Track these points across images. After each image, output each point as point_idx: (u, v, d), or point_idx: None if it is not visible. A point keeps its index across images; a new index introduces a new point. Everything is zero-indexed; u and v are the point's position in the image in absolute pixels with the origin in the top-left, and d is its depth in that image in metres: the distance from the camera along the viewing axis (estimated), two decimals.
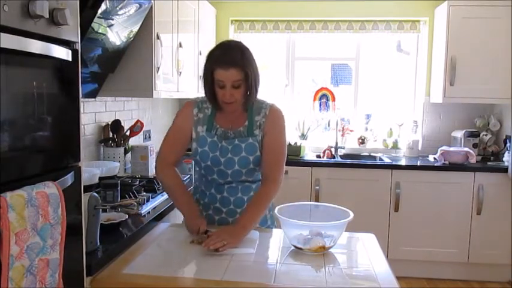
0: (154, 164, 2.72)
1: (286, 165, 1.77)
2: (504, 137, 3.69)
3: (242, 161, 1.70)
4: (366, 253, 1.56)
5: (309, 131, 3.99)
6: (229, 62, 1.59)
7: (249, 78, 1.62)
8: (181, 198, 1.75)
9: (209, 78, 1.65)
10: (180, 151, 1.80)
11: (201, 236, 1.58)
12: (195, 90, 3.29)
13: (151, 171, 2.73)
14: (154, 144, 3.07)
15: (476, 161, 3.47)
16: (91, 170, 2.05)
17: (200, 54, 3.28)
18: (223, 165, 1.71)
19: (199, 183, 1.86)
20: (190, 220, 1.67)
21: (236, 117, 1.74)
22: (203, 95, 1.76)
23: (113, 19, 1.97)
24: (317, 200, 3.39)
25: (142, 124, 2.86)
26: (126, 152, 2.74)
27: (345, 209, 1.62)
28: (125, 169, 2.76)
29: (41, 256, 1.00)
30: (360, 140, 4.01)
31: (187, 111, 1.77)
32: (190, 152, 1.80)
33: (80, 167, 1.24)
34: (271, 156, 1.71)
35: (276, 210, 1.62)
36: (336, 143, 3.90)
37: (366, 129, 4.11)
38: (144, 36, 2.35)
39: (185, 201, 1.74)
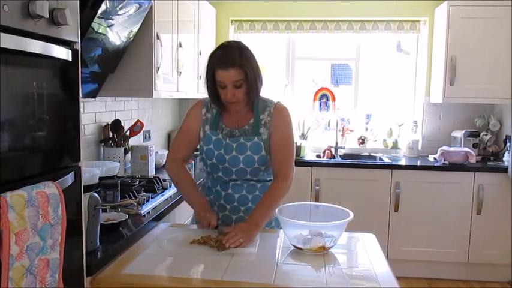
0: (154, 164, 2.76)
1: None
2: (504, 137, 3.69)
3: (247, 160, 1.71)
4: (366, 253, 1.56)
5: (309, 131, 3.99)
6: (228, 62, 1.61)
7: (248, 78, 1.63)
8: (191, 191, 1.80)
9: (211, 79, 1.68)
10: (189, 149, 1.85)
11: (205, 237, 1.59)
12: (195, 90, 3.29)
13: (151, 171, 2.74)
14: (155, 144, 3.08)
15: (476, 161, 3.47)
16: (91, 170, 2.05)
17: (200, 54, 3.28)
18: (228, 162, 1.72)
19: (206, 181, 1.88)
20: (201, 212, 1.71)
21: (242, 116, 1.76)
22: (204, 95, 1.78)
23: (113, 19, 1.97)
24: (317, 200, 3.39)
25: (142, 124, 2.86)
26: (126, 152, 2.74)
27: (345, 209, 1.62)
28: (125, 169, 2.76)
29: (40, 256, 1.00)
30: (360, 140, 4.01)
31: (196, 111, 1.82)
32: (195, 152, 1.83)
33: (80, 167, 1.24)
34: (279, 154, 1.73)
35: (276, 210, 1.62)
36: (336, 143, 3.90)
37: (366, 129, 4.11)
38: (144, 36, 2.35)
39: (195, 194, 1.79)
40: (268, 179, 1.81)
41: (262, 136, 1.72)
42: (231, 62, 1.61)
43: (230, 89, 1.64)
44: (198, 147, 1.82)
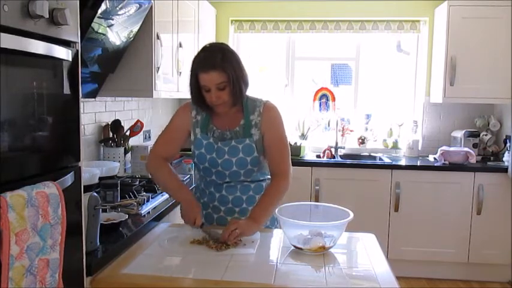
0: None
1: None
2: (504, 137, 3.69)
3: (239, 162, 1.70)
4: (366, 253, 1.56)
5: (309, 131, 3.99)
6: (209, 65, 1.60)
7: (231, 80, 1.62)
8: (177, 188, 1.77)
9: (195, 83, 1.67)
10: (174, 149, 1.83)
11: (205, 237, 1.60)
12: None
13: None
14: None
15: (476, 161, 3.47)
16: (91, 170, 2.05)
17: None
18: (221, 166, 1.72)
19: (200, 183, 1.87)
20: (186, 209, 1.70)
21: (232, 118, 1.75)
22: None
23: (113, 19, 1.97)
24: (317, 200, 3.39)
25: (142, 124, 2.86)
26: (126, 152, 2.74)
27: (345, 209, 1.62)
28: (125, 169, 2.76)
29: (41, 256, 1.00)
30: (360, 140, 4.01)
31: (185, 112, 1.80)
32: (191, 153, 1.81)
33: (80, 167, 1.24)
34: (274, 152, 1.73)
35: (276, 210, 1.62)
36: (336, 143, 3.89)
37: (366, 129, 4.11)
38: (144, 36, 2.35)
39: (181, 191, 1.76)
40: (261, 178, 1.80)
41: (254, 137, 1.71)
42: (212, 65, 1.59)
43: (214, 91, 1.63)
44: (191, 150, 1.80)
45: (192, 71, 1.67)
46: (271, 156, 1.73)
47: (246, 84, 1.71)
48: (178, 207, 2.20)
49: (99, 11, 1.80)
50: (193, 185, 2.47)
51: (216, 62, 1.60)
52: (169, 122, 1.84)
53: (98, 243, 1.44)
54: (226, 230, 1.55)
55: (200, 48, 1.71)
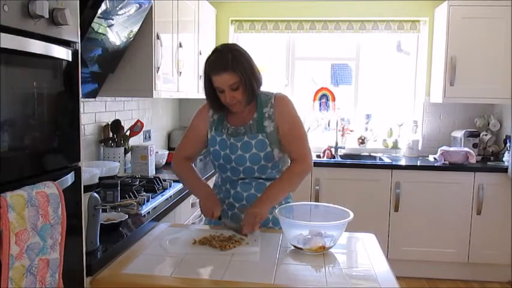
0: (154, 164, 2.77)
1: None
2: (504, 137, 3.69)
3: (253, 158, 1.73)
4: (366, 253, 1.56)
5: (309, 131, 3.99)
6: (220, 67, 1.63)
7: (243, 80, 1.65)
8: (196, 183, 1.84)
9: (208, 85, 1.71)
10: (195, 149, 1.89)
11: (207, 237, 1.61)
12: (195, 90, 3.29)
13: (151, 171, 2.74)
14: (155, 144, 3.07)
15: (476, 161, 3.47)
16: (91, 170, 2.04)
17: (200, 54, 3.28)
18: (235, 162, 1.74)
19: (217, 180, 1.91)
20: (205, 202, 1.76)
21: (246, 114, 1.79)
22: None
23: (113, 19, 1.97)
24: (317, 200, 3.39)
25: (142, 124, 2.86)
26: (126, 152, 2.74)
27: (345, 209, 1.62)
28: (125, 169, 2.76)
29: (41, 256, 1.00)
30: (360, 140, 4.01)
31: (203, 113, 1.86)
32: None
33: (80, 167, 1.24)
34: (290, 139, 1.75)
35: (276, 210, 1.62)
36: (336, 143, 3.90)
37: (366, 129, 4.11)
38: (144, 36, 2.35)
39: (200, 186, 1.83)
40: (277, 176, 1.81)
41: (267, 129, 1.73)
42: (222, 67, 1.63)
43: (228, 92, 1.66)
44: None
45: (204, 73, 1.70)
46: (288, 143, 1.75)
47: (259, 82, 1.74)
48: (179, 207, 2.22)
49: (99, 11, 1.80)
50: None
51: (227, 64, 1.63)
52: (190, 124, 1.90)
53: (98, 243, 1.43)
54: (247, 224, 1.60)
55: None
